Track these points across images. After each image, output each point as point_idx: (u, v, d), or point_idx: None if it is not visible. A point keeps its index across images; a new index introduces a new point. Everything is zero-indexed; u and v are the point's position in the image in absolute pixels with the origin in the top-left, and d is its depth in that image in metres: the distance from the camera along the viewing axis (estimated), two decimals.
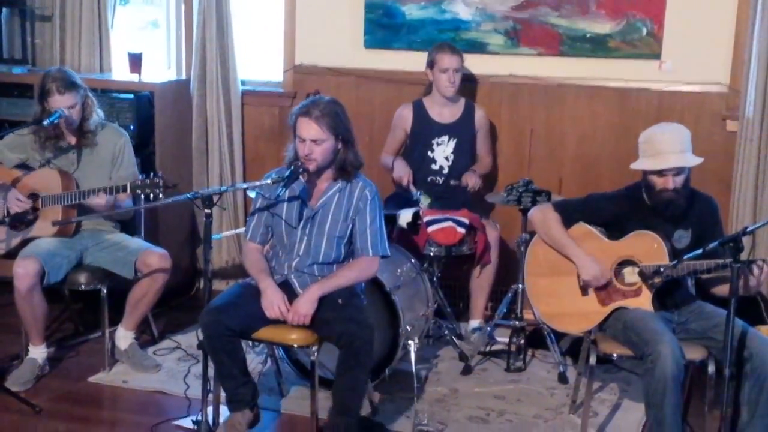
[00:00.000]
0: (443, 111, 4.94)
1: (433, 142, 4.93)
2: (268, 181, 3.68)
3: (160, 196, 4.01)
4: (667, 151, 3.61)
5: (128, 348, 4.49)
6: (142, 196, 4.13)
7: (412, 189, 4.78)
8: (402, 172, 4.83)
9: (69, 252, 4.33)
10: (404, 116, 4.98)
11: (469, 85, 5.17)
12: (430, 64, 4.87)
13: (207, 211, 3.52)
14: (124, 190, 4.11)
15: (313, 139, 3.63)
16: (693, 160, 3.64)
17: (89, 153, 4.43)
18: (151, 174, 4.06)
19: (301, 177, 3.72)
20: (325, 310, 3.64)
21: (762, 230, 4.45)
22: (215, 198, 3.55)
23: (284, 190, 3.65)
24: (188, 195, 3.59)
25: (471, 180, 4.82)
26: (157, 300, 4.46)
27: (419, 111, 4.96)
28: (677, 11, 4.86)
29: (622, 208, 3.80)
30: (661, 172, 3.63)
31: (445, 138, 4.93)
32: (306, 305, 3.62)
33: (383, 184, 5.05)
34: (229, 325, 3.57)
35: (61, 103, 4.26)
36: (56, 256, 4.26)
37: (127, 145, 4.52)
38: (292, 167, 3.67)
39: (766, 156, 4.69)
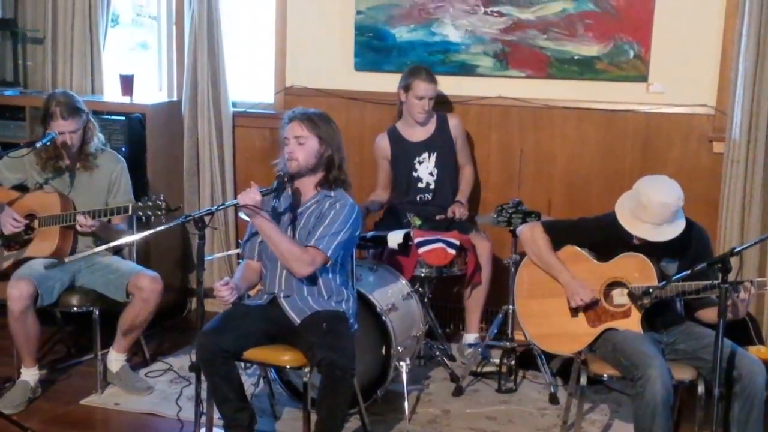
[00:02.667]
0: (416, 130, 4.97)
1: (414, 162, 4.96)
2: (258, 197, 3.63)
3: (162, 219, 4.06)
4: (661, 222, 3.62)
5: (120, 371, 4.49)
6: (135, 222, 4.14)
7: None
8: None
9: (62, 274, 4.34)
10: (383, 147, 5.02)
11: (458, 106, 5.23)
12: (405, 88, 4.89)
13: (200, 233, 3.54)
14: (126, 211, 4.14)
15: (296, 136, 3.73)
16: (681, 226, 3.65)
17: (86, 176, 4.45)
18: (153, 196, 4.08)
19: (288, 189, 3.80)
20: (310, 333, 3.64)
21: (749, 251, 4.50)
22: (207, 219, 3.55)
23: (277, 201, 3.67)
24: (181, 218, 3.61)
25: (458, 211, 4.85)
26: (149, 323, 4.46)
27: (395, 137, 4.99)
28: (664, 34, 4.91)
29: (612, 234, 3.81)
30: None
31: (426, 155, 4.96)
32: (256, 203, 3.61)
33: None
34: (224, 346, 3.58)
35: (64, 127, 4.29)
36: (49, 278, 4.27)
37: (124, 172, 4.54)
38: (278, 177, 3.72)
39: (753, 177, 4.73)
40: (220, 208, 3.84)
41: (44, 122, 4.35)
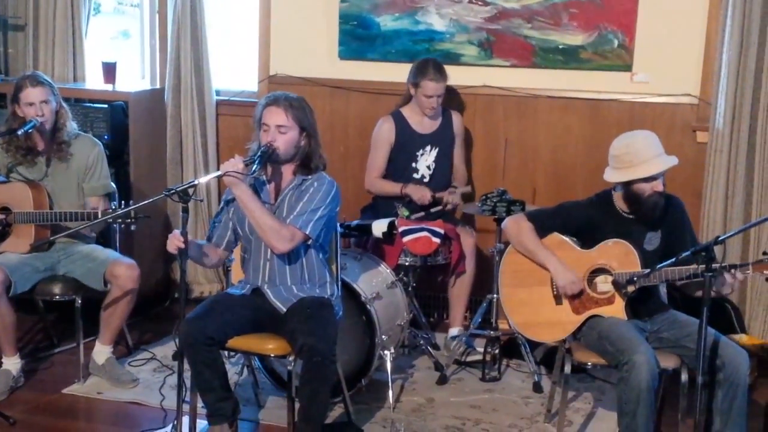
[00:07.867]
0: (423, 121, 4.91)
1: (417, 153, 4.91)
2: (240, 165, 3.54)
3: (132, 227, 4.06)
4: (651, 157, 3.67)
5: (105, 363, 4.44)
6: (114, 204, 4.15)
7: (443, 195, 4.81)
8: (424, 191, 4.77)
9: (38, 263, 4.31)
10: (388, 130, 4.88)
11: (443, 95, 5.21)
12: (414, 85, 4.80)
13: (184, 205, 3.42)
14: (95, 217, 4.09)
15: (279, 125, 3.64)
16: (674, 160, 3.72)
17: (62, 165, 4.40)
18: (122, 203, 4.05)
19: (263, 176, 3.74)
20: (293, 319, 3.63)
21: (733, 239, 4.54)
22: (190, 191, 3.44)
23: (258, 167, 3.57)
24: (163, 192, 3.45)
25: (452, 198, 4.81)
26: (131, 311, 4.43)
27: (401, 123, 4.90)
28: (648, 23, 4.92)
29: (594, 215, 3.85)
30: (652, 178, 3.68)
31: (428, 147, 4.92)
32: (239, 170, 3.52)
33: (359, 194, 5.10)
34: (208, 333, 3.55)
35: (33, 96, 4.23)
36: (25, 265, 4.25)
37: (101, 156, 4.50)
38: (263, 148, 3.63)
39: (736, 167, 4.75)
40: (202, 180, 3.75)
41: (14, 100, 4.29)
